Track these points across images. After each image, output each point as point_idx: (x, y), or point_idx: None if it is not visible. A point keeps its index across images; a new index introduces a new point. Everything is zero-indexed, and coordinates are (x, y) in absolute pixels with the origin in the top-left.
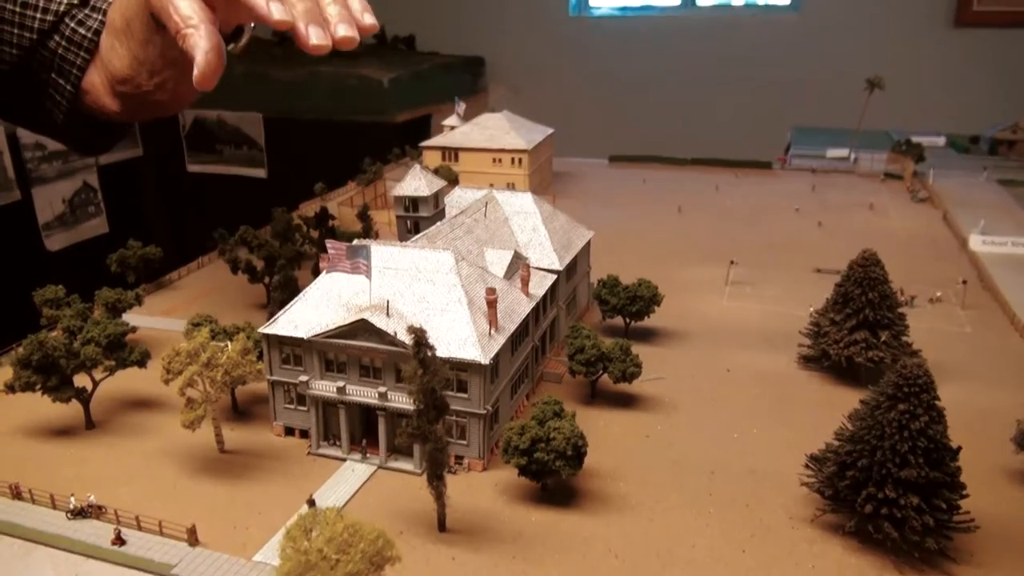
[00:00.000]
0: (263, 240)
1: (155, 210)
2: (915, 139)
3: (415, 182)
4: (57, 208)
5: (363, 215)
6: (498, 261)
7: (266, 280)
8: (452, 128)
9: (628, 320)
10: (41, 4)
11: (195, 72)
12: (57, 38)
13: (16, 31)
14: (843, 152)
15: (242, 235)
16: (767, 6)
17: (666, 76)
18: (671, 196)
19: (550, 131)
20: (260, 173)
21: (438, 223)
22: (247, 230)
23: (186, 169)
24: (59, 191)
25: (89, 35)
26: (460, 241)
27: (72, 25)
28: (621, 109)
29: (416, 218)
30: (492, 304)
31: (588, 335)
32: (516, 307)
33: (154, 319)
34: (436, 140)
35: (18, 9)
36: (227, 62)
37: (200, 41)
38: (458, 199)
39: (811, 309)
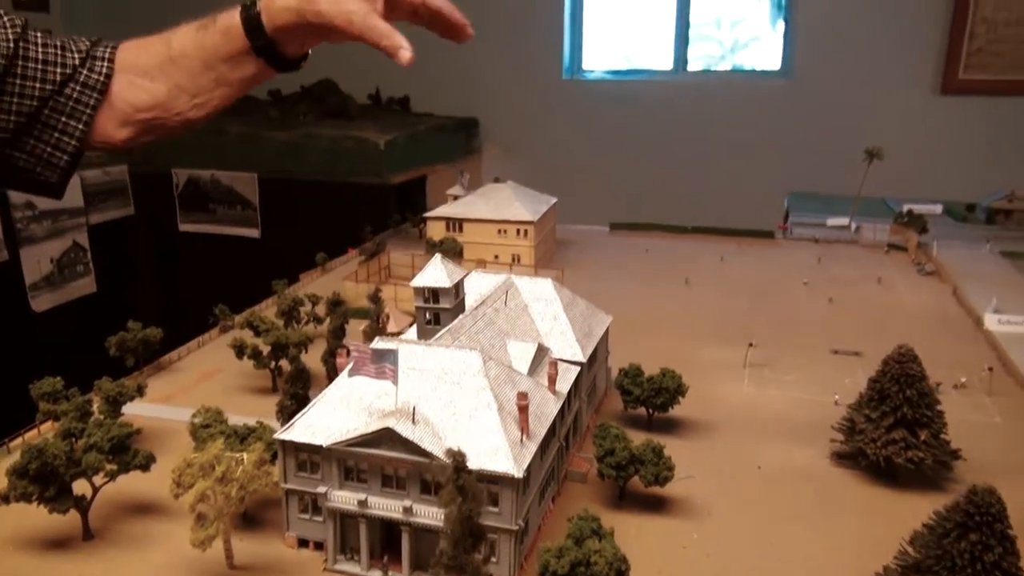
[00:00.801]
0: (269, 323)
1: (145, 269)
2: (912, 207)
3: (436, 272)
4: (45, 268)
5: (374, 298)
6: (522, 355)
7: (272, 365)
8: (456, 198)
9: (651, 412)
10: (39, 75)
11: (403, 61)
12: (68, 89)
13: (16, 100)
14: (843, 221)
15: (248, 318)
16: (758, 71)
17: (660, 140)
18: (676, 267)
19: (554, 200)
20: (253, 233)
21: (460, 316)
22: (252, 313)
23: (178, 228)
24: (48, 251)
25: (101, 79)
26: (483, 335)
27: (85, 72)
28: (617, 174)
29: (437, 310)
30: (524, 409)
31: (617, 435)
32: (544, 407)
33: (154, 407)
34: (440, 210)
35: (18, 81)
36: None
37: (400, 40)
38: (475, 284)
39: (836, 397)
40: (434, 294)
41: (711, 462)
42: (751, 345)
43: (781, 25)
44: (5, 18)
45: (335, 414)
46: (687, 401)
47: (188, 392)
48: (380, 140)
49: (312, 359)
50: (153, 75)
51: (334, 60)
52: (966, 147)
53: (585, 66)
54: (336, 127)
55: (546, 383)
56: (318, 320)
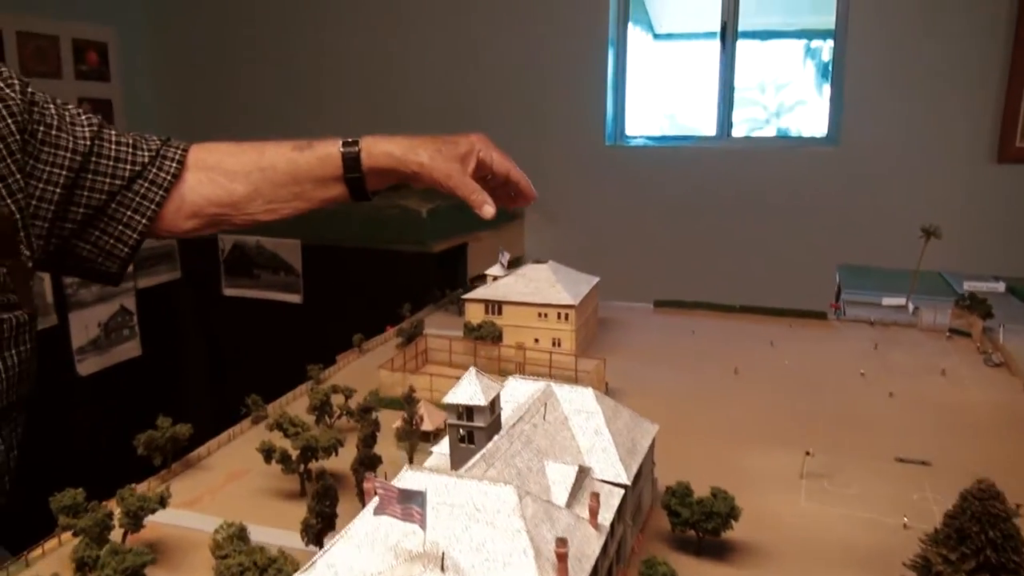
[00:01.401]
0: (299, 424)
1: (189, 332)
2: (973, 285)
3: (470, 388)
4: (92, 332)
5: (409, 399)
6: (561, 480)
7: (301, 469)
8: (495, 278)
9: (701, 535)
10: (111, 171)
11: (488, 215)
12: (137, 185)
13: (87, 194)
14: (900, 301)
15: (277, 420)
16: (804, 138)
17: (704, 209)
18: (724, 352)
19: (596, 280)
20: (295, 299)
21: (496, 436)
22: (283, 414)
23: (222, 292)
24: (95, 315)
25: (169, 177)
26: (520, 457)
27: (154, 171)
28: (659, 244)
29: (471, 428)
30: (563, 558)
31: (665, 573)
32: (585, 547)
33: (176, 513)
34: (479, 292)
35: (90, 176)
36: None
37: (486, 197)
38: (513, 392)
39: (904, 519)
40: (468, 411)
41: None
42: (808, 454)
43: (827, 90)
44: (83, 116)
45: (359, 554)
46: (740, 518)
47: (215, 495)
48: (423, 208)
49: (343, 462)
50: (236, 177)
51: (370, 122)
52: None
53: (628, 131)
54: (380, 197)
55: (587, 516)
56: (351, 414)
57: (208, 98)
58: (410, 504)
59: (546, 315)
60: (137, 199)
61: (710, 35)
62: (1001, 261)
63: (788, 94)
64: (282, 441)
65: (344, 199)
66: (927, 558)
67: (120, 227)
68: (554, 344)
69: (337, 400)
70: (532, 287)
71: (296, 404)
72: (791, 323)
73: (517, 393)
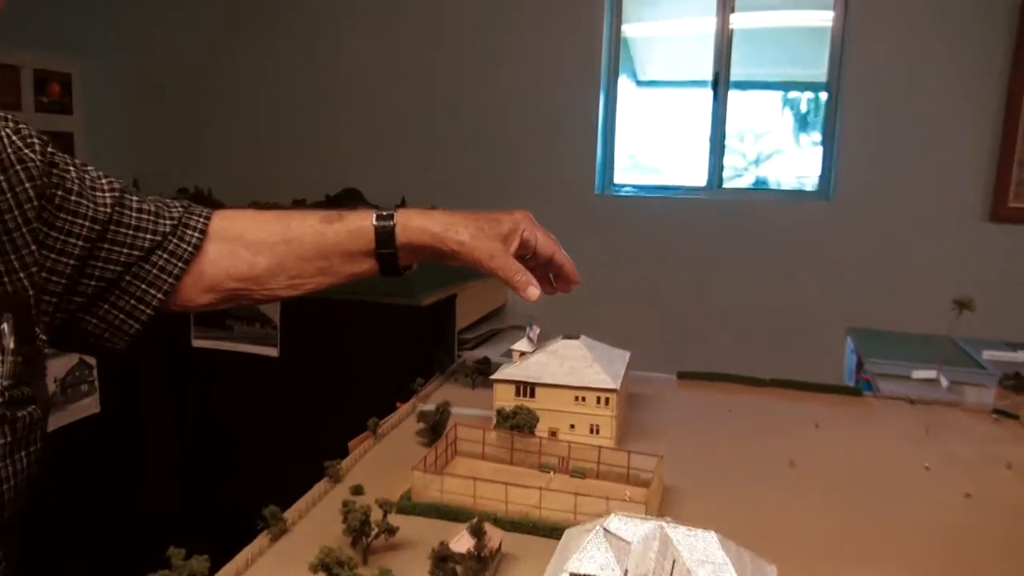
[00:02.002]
0: (349, 563)
1: (153, 387)
2: (992, 355)
3: (600, 555)
4: (48, 388)
5: (476, 530)
6: None
7: None
8: (522, 354)
9: None
10: (129, 241)
11: (532, 297)
12: (155, 257)
13: (102, 265)
14: (931, 374)
15: (322, 559)
16: (797, 192)
17: (698, 264)
18: (770, 437)
19: (627, 355)
20: (271, 352)
21: None
22: (328, 552)
23: (191, 344)
24: (52, 370)
25: (190, 248)
26: None
27: (175, 241)
28: (654, 302)
29: None
30: None
31: None
32: None
33: None
34: (508, 372)
35: (106, 246)
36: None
37: (531, 278)
38: (616, 532)
39: None
40: None
41: None
42: None
43: (805, 139)
44: (104, 179)
45: None
46: None
47: None
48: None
49: None
50: (260, 250)
51: (357, 168)
52: None
53: (617, 179)
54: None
55: None
56: (390, 532)
57: (176, 134)
58: None
59: (584, 399)
60: (154, 272)
61: (695, 83)
62: (1001, 323)
63: (766, 143)
64: None
65: (373, 274)
66: None
67: (133, 301)
68: (592, 431)
69: (374, 514)
70: (567, 366)
71: (319, 511)
72: (828, 400)
73: (623, 533)
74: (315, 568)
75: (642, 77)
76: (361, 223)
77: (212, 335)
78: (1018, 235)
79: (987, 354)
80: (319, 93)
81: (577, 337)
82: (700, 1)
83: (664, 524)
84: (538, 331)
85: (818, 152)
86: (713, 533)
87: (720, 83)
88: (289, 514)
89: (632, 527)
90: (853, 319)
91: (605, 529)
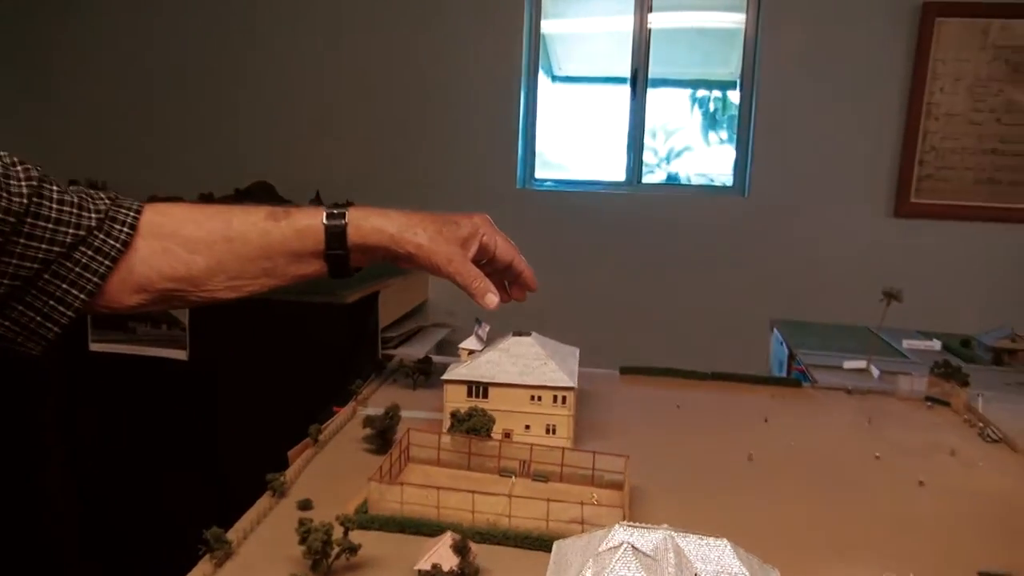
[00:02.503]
0: None
1: (48, 395)
2: (910, 344)
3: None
4: None
5: (461, 548)
6: None
7: None
8: (471, 352)
9: None
10: (48, 236)
11: (491, 305)
12: (78, 254)
13: (15, 263)
14: (861, 364)
15: None
16: (713, 187)
17: (619, 258)
18: (723, 432)
19: (577, 351)
20: (180, 355)
21: None
22: None
23: (88, 348)
24: None
25: (118, 245)
26: None
27: (101, 236)
28: (577, 296)
29: None
30: None
31: None
32: None
33: None
34: (459, 372)
35: (22, 241)
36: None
37: (489, 286)
38: (616, 540)
39: None
40: None
41: None
42: None
43: (713, 136)
44: (19, 167)
45: None
46: None
47: None
48: None
49: None
50: (198, 249)
51: (269, 161)
52: (932, 274)
53: (538, 174)
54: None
55: None
56: (352, 551)
57: (63, 126)
58: None
59: (540, 398)
60: (77, 270)
61: (613, 80)
62: (923, 314)
63: (677, 140)
64: None
65: (321, 275)
66: None
67: (52, 303)
68: (548, 431)
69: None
70: (521, 365)
71: (266, 530)
72: (772, 394)
73: (640, 546)
74: None
75: (558, 72)
76: (310, 221)
77: (112, 338)
78: (920, 230)
79: (907, 343)
80: (227, 82)
81: (528, 334)
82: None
83: (674, 533)
84: (487, 329)
85: (726, 150)
86: (726, 541)
87: (638, 81)
88: (232, 535)
89: (641, 538)
90: (772, 310)
91: (633, 546)
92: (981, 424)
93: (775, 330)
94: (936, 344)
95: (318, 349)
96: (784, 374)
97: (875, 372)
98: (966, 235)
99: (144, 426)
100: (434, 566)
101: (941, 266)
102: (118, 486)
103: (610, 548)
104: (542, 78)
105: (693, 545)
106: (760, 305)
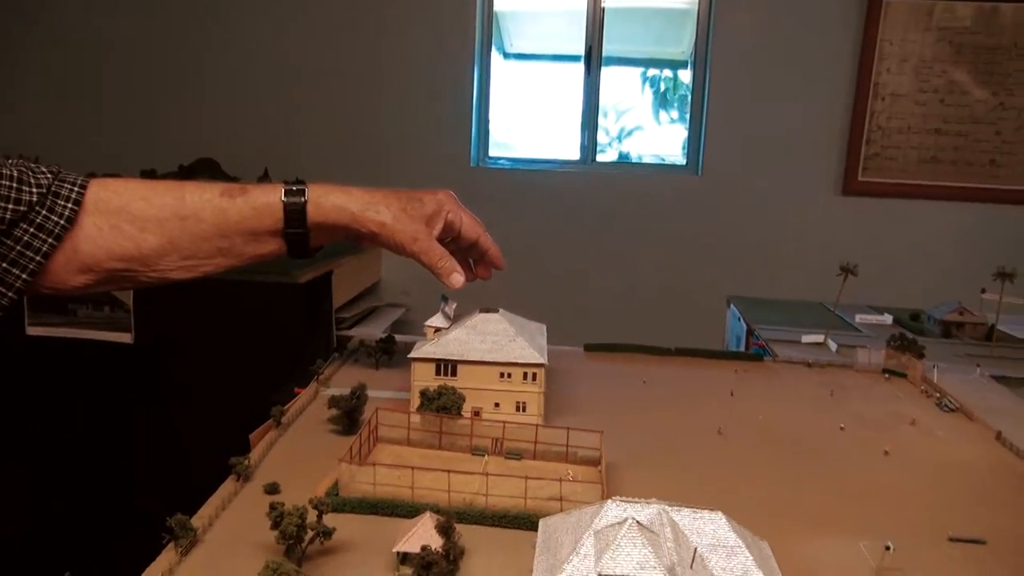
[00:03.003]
0: (285, 572)
1: None
2: (863, 318)
3: (636, 552)
4: None
5: (447, 529)
6: None
7: None
8: (437, 330)
9: None
10: None
11: (456, 284)
12: (18, 231)
13: None
14: (818, 338)
15: None
16: (667, 165)
17: (574, 236)
18: (691, 406)
19: (544, 328)
20: (125, 338)
21: None
22: (278, 566)
23: (25, 332)
24: None
25: (62, 222)
26: None
27: (44, 212)
28: (531, 275)
29: None
30: None
31: None
32: None
33: None
34: (427, 350)
35: None
36: None
37: (455, 265)
38: (610, 517)
39: None
40: None
41: None
42: (888, 548)
43: (664, 116)
44: None
45: None
46: None
47: None
48: None
49: None
50: (148, 227)
51: (214, 135)
52: (880, 251)
53: (491, 152)
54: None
55: None
56: (326, 534)
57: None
58: None
59: (510, 375)
60: (18, 248)
61: (565, 57)
62: (858, 290)
63: (628, 119)
64: None
65: (279, 255)
66: None
67: None
68: (518, 408)
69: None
70: (489, 342)
71: (233, 515)
72: (736, 369)
73: (609, 516)
74: None
75: (509, 50)
76: (268, 199)
77: (50, 321)
78: (867, 207)
79: (859, 318)
80: (171, 56)
81: (496, 310)
82: None
83: (668, 508)
84: (454, 306)
85: (676, 129)
86: (720, 514)
87: (592, 58)
88: (197, 521)
89: (637, 514)
90: (726, 287)
91: (638, 522)
92: (938, 395)
93: (732, 306)
94: (887, 318)
95: (272, 330)
96: (742, 349)
97: (832, 346)
98: (911, 213)
99: (90, 413)
100: (423, 548)
101: (888, 243)
102: (66, 478)
103: (613, 524)
104: (494, 55)
105: (688, 519)
106: (715, 281)
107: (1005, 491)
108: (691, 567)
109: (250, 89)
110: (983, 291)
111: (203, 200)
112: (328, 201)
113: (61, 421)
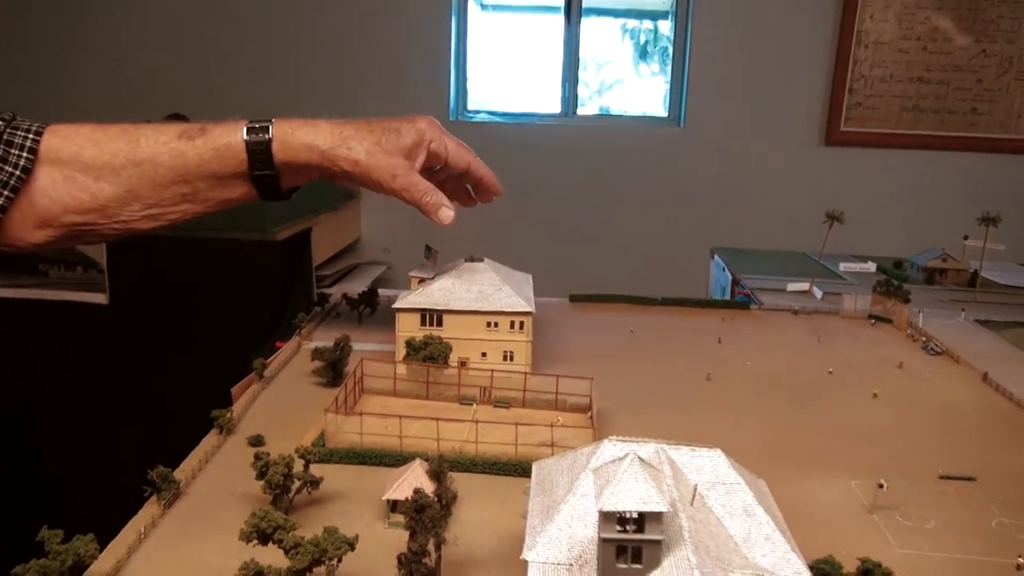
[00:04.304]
0: (292, 534)
1: None
2: (847, 267)
3: (639, 488)
4: None
5: (439, 474)
6: None
7: None
8: (422, 280)
9: None
10: None
11: (445, 220)
12: None
13: None
14: (803, 286)
15: (257, 524)
16: (648, 117)
17: (556, 190)
18: (679, 353)
19: (530, 277)
20: (99, 299)
21: (674, 549)
22: (265, 515)
23: None
24: None
25: (17, 172)
26: (706, 568)
27: None
28: (512, 229)
29: (639, 543)
30: None
31: None
32: None
33: None
34: (413, 299)
35: None
36: None
37: (442, 199)
38: (607, 455)
39: (1020, 559)
40: (638, 520)
41: None
42: (881, 486)
43: (645, 69)
44: None
45: None
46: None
47: None
48: None
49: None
50: (103, 175)
51: (188, 93)
52: (863, 200)
53: (470, 106)
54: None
55: None
56: (314, 484)
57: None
58: None
59: (496, 324)
60: None
61: (545, 9)
62: (857, 239)
63: (608, 72)
64: (257, 552)
65: (250, 199)
66: None
67: None
68: (505, 358)
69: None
70: (475, 291)
71: (216, 469)
72: (723, 316)
73: (603, 456)
74: (247, 536)
75: (486, 1)
76: (229, 139)
77: (20, 282)
78: (849, 157)
79: (843, 266)
80: (132, 6)
81: (481, 260)
82: None
83: (665, 446)
84: (439, 256)
85: (656, 82)
86: (719, 451)
87: (573, 9)
88: (180, 475)
89: (622, 446)
90: (709, 238)
91: (639, 457)
92: (924, 339)
93: (715, 256)
94: (871, 266)
95: (251, 288)
96: (728, 299)
97: (818, 293)
98: (893, 162)
99: (65, 374)
100: (416, 491)
101: (870, 192)
102: (46, 441)
103: (612, 461)
104: (471, 7)
105: (686, 457)
106: (697, 232)
107: (992, 430)
108: (691, 504)
109: (224, 43)
110: (966, 238)
111: (159, 143)
112: (295, 139)
113: (33, 382)
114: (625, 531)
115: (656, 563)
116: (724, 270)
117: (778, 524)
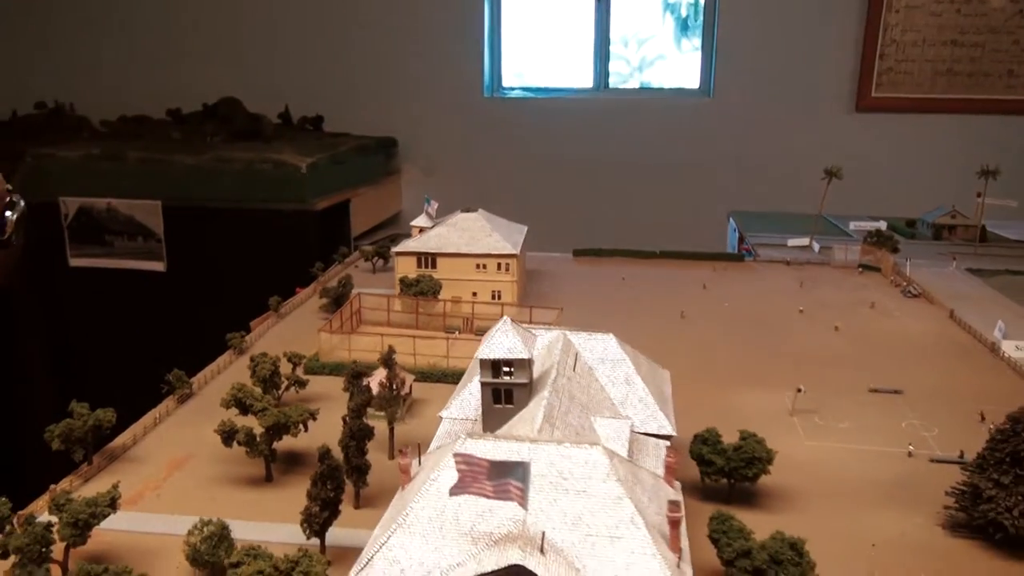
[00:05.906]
0: (259, 399)
1: (30, 309)
2: (857, 225)
3: (507, 340)
4: None
5: (388, 361)
6: (615, 436)
7: (267, 451)
8: (422, 229)
9: (733, 483)
10: None
11: None
12: None
13: None
14: (804, 241)
15: (235, 395)
16: (680, 89)
17: (590, 160)
18: (662, 297)
19: (525, 228)
20: (158, 266)
21: (542, 393)
22: (241, 387)
23: (68, 263)
24: None
25: None
26: (572, 415)
27: None
28: (545, 197)
29: (510, 386)
30: (676, 524)
31: (740, 528)
32: (676, 509)
33: (121, 515)
34: (410, 244)
35: None
36: None
37: None
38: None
39: (910, 447)
40: (507, 367)
41: (820, 543)
42: (800, 391)
43: (687, 44)
44: None
45: (426, 544)
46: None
47: (158, 489)
48: (301, 163)
49: (315, 439)
50: None
51: (236, 76)
52: (887, 163)
53: (505, 83)
54: (250, 149)
55: (662, 473)
56: (300, 384)
57: (19, 48)
58: (505, 479)
59: (485, 266)
60: None
61: None
62: (874, 201)
63: (650, 48)
64: (242, 421)
65: None
66: (975, 484)
67: None
68: (494, 297)
69: (283, 368)
70: (467, 237)
71: (225, 378)
72: (714, 267)
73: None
74: (227, 403)
75: None
76: None
77: (91, 252)
78: (880, 122)
79: (853, 224)
80: (197, 14)
81: (475, 210)
82: None
83: (567, 332)
84: (436, 206)
85: (697, 58)
86: (612, 335)
87: None
88: (195, 381)
89: (538, 335)
90: (735, 204)
91: (511, 320)
92: (905, 283)
93: (730, 219)
94: (882, 225)
95: (291, 255)
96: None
97: (816, 247)
98: (925, 127)
99: (123, 331)
100: (364, 375)
101: (899, 157)
102: (102, 377)
103: (503, 323)
104: None
105: (582, 339)
106: (723, 199)
107: (937, 354)
108: (574, 369)
109: (270, 29)
110: (979, 195)
111: None
112: None
113: (101, 340)
114: (497, 377)
115: (524, 404)
116: (735, 231)
117: (657, 395)
